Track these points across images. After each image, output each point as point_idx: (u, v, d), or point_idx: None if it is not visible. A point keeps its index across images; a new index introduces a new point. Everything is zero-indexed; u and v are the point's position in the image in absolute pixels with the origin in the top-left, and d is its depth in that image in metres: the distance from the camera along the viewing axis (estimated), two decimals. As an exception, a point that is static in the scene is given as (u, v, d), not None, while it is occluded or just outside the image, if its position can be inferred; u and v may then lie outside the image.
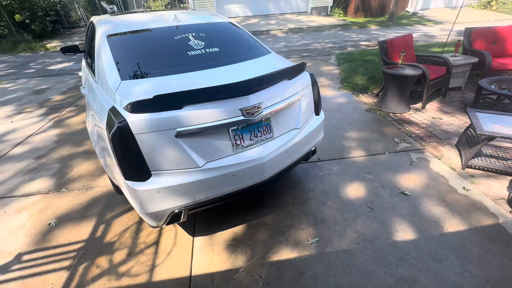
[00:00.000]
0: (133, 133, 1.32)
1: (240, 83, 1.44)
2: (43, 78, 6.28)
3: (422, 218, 1.96)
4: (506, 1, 13.56)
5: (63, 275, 1.68)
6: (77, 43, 9.97)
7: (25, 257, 1.82)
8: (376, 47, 7.76)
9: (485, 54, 3.85)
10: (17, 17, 9.66)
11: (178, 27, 2.09)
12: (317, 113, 2.03)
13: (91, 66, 2.19)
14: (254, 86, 1.49)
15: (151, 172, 1.40)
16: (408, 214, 2.00)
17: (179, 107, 1.35)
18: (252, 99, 1.49)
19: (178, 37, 1.95)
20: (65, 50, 3.20)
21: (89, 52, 2.51)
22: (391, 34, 9.64)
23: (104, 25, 2.09)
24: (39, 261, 1.78)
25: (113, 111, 1.38)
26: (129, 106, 1.32)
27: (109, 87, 1.57)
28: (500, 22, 10.57)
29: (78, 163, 2.84)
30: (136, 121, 1.31)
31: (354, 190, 2.26)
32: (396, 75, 3.36)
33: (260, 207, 2.14)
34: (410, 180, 2.35)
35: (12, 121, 3.97)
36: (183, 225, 2.01)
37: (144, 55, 1.80)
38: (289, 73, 1.71)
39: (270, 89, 1.59)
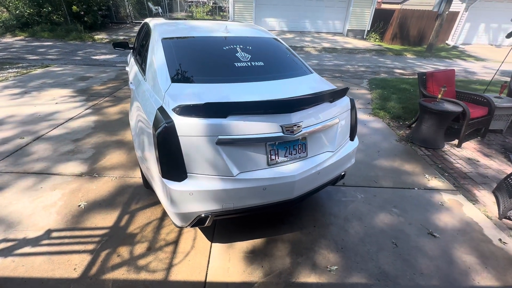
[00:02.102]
0: (178, 134, 1.38)
1: (284, 100, 1.47)
2: (88, 66, 6.74)
3: (452, 265, 1.85)
4: (558, 45, 12.80)
5: (86, 258, 1.75)
6: (121, 38, 10.67)
7: (54, 234, 1.92)
8: (411, 76, 7.59)
9: (533, 99, 3.64)
10: (74, 8, 10.54)
11: (226, 38, 2.19)
12: (351, 138, 2.01)
13: (140, 64, 2.33)
14: (298, 105, 1.51)
15: (187, 174, 1.44)
16: (435, 258, 1.89)
17: (224, 116, 1.39)
18: (294, 118, 1.51)
19: (227, 47, 2.04)
20: (116, 45, 3.44)
21: (140, 51, 2.68)
22: (428, 65, 9.41)
23: (160, 28, 2.24)
24: (66, 240, 1.87)
25: (161, 110, 1.46)
26: (178, 109, 1.39)
27: (159, 87, 1.66)
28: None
29: (111, 151, 2.99)
30: (182, 124, 1.37)
31: (379, 222, 2.18)
32: (434, 109, 3.25)
33: (280, 223, 2.12)
34: (440, 222, 2.23)
35: (56, 103, 4.27)
36: (202, 229, 2.03)
37: (194, 61, 1.90)
38: (332, 96, 1.72)
39: (312, 110, 1.61)
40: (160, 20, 2.58)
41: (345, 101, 1.88)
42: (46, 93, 4.66)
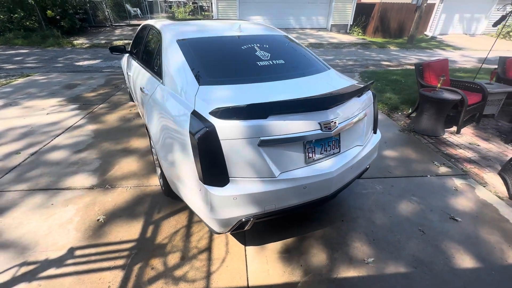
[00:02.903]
0: (220, 138, 1.33)
1: (322, 97, 1.46)
2: (72, 73, 6.43)
3: (478, 247, 1.92)
4: (525, 32, 13.66)
5: (119, 274, 1.67)
6: (103, 42, 10.26)
7: (78, 252, 1.81)
8: (398, 68, 7.83)
9: (522, 84, 3.86)
10: (49, 12, 9.99)
11: (240, 36, 2.15)
12: (375, 131, 2.04)
13: (152, 69, 2.24)
14: (334, 101, 1.51)
15: (229, 178, 1.40)
16: (462, 241, 1.96)
17: (265, 116, 1.36)
18: (330, 114, 1.50)
19: (245, 47, 2.00)
20: (113, 50, 3.29)
21: (146, 54, 2.58)
22: (412, 56, 9.74)
23: (171, 29, 2.16)
24: (93, 258, 1.77)
25: (197, 115, 1.40)
26: (217, 112, 1.34)
27: (186, 91, 1.60)
28: (518, 53, 10.60)
29: (119, 160, 2.86)
30: (223, 127, 1.33)
31: (402, 211, 2.24)
32: (435, 98, 3.37)
33: (308, 221, 2.12)
34: (457, 206, 2.32)
35: (47, 114, 4.04)
36: (234, 233, 2.00)
37: (216, 61, 1.84)
38: (362, 91, 1.73)
39: (344, 105, 1.61)
40: (166, 21, 2.49)
41: (368, 95, 1.90)
42: (34, 104, 4.40)
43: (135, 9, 17.38)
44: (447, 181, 2.65)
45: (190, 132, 1.39)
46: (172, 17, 15.40)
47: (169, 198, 2.30)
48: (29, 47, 9.46)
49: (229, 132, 1.34)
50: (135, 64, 2.85)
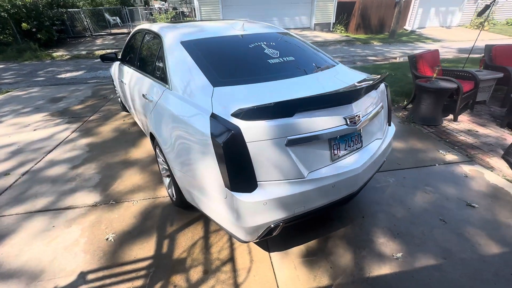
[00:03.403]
0: (246, 141, 1.25)
1: (346, 91, 1.41)
2: (56, 86, 6.13)
3: (501, 231, 1.92)
4: (496, 22, 14.38)
5: (139, 296, 1.54)
6: (84, 52, 9.92)
7: (90, 276, 1.66)
8: (385, 62, 7.99)
9: (510, 70, 4.00)
10: (24, 25, 9.56)
11: (243, 36, 2.08)
12: (389, 123, 2.01)
13: (153, 74, 2.12)
14: (357, 94, 1.46)
15: (257, 182, 1.32)
16: (484, 227, 1.96)
17: (291, 114, 1.29)
18: (355, 108, 1.46)
19: (252, 45, 1.93)
20: (105, 58, 3.13)
21: (144, 60, 2.46)
22: (395, 50, 9.99)
23: (172, 32, 2.06)
24: (108, 281, 1.63)
25: (217, 118, 1.32)
26: (240, 113, 1.26)
27: (201, 93, 1.51)
28: (493, 41, 11.12)
29: (120, 173, 2.71)
30: (249, 129, 1.25)
31: (419, 202, 2.22)
32: (432, 88, 3.42)
33: (330, 220, 2.06)
34: (471, 192, 2.33)
35: (35, 130, 3.80)
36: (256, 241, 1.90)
37: (226, 61, 1.76)
38: (380, 83, 1.69)
39: (365, 98, 1.57)
40: (164, 24, 2.38)
41: (382, 87, 1.87)
42: (18, 121, 4.13)
43: (114, 17, 16.95)
44: (455, 168, 2.67)
45: (212, 136, 1.30)
46: (154, 24, 15.11)
47: (181, 209, 2.18)
48: (5, 62, 8.98)
49: (255, 134, 1.26)
50: (130, 71, 2.72)
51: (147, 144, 3.29)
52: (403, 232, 1.93)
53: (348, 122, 1.43)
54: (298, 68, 1.81)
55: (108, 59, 3.15)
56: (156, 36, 2.22)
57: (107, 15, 15.20)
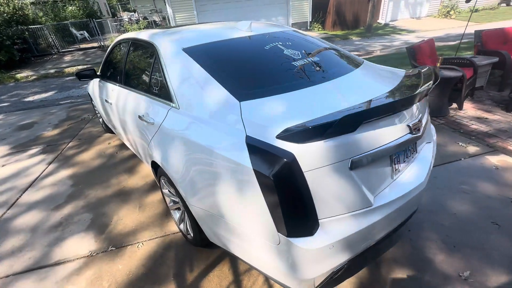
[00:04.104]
0: (303, 170, 0.95)
1: (407, 97, 1.14)
2: (23, 111, 5.48)
3: (559, 229, 1.76)
4: (461, 10, 15.12)
5: None
6: (52, 71, 9.16)
7: None
8: (369, 56, 8.00)
9: (504, 54, 4.00)
10: (-20, 47, 8.64)
11: (251, 37, 1.78)
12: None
13: (149, 91, 1.77)
14: (419, 98, 1.20)
15: (319, 221, 1.02)
16: (540, 225, 1.79)
17: (353, 129, 1.01)
18: (416, 113, 1.20)
19: (268, 47, 1.63)
20: (82, 76, 2.70)
21: (131, 75, 2.08)
22: (375, 44, 10.11)
23: (168, 38, 1.71)
24: None
25: (257, 142, 1.00)
26: (291, 134, 0.96)
27: (223, 112, 1.19)
28: (460, 29, 11.62)
29: (115, 209, 2.29)
30: (305, 154, 0.95)
31: (462, 205, 2.02)
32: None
33: (374, 239, 1.79)
34: (510, 185, 2.17)
35: (3, 166, 3.25)
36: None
37: (245, 68, 1.44)
38: (436, 79, 1.45)
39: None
40: (153, 31, 2.02)
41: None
42: (-18, 156, 3.55)
43: (81, 32, 16.03)
44: (482, 160, 2.52)
45: (255, 168, 0.98)
46: (126, 36, 14.42)
47: (199, 248, 1.82)
48: (-40, 89, 8.04)
49: (313, 159, 0.96)
50: (115, 88, 2.32)
51: (141, 168, 2.88)
52: (459, 244, 1.71)
53: (412, 130, 1.17)
54: (328, 70, 1.53)
55: (85, 76, 2.73)
56: (147, 45, 1.86)
57: (73, 30, 14.32)
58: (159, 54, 1.66)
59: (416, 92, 1.11)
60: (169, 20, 12.06)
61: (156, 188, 2.52)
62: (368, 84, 1.40)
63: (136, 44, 2.07)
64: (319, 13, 13.56)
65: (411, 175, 1.28)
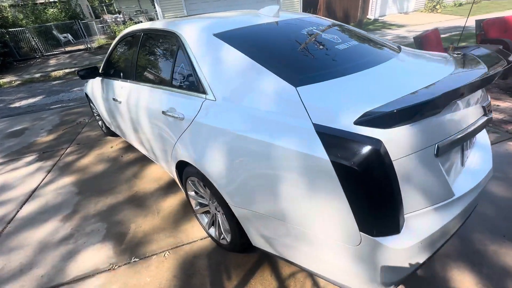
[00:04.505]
0: (392, 159, 0.83)
1: (488, 76, 1.04)
2: (11, 118, 5.13)
3: None
4: (446, 4, 15.51)
5: None
6: (37, 75, 8.72)
7: None
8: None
9: (508, 42, 4.03)
10: (-44, 52, 8.10)
11: (278, 22, 1.65)
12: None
13: (171, 84, 1.60)
14: (495, 78, 1.10)
15: (404, 216, 0.90)
16: None
17: (438, 110, 0.89)
18: (485, 93, 1.10)
19: (305, 31, 1.51)
20: (84, 75, 2.50)
21: (146, 69, 1.91)
22: (368, 38, 10.18)
23: (192, 25, 1.55)
24: None
25: (332, 130, 0.88)
26: (373, 118, 0.83)
27: (278, 100, 1.06)
28: (447, 22, 11.90)
29: (131, 216, 2.11)
30: (392, 140, 0.83)
31: (499, 192, 1.96)
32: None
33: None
34: (541, 171, 2.13)
35: (-4, 176, 2.98)
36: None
37: (290, 53, 1.31)
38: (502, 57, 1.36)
39: None
40: (168, 20, 1.85)
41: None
42: (-29, 167, 3.25)
43: (65, 35, 15.44)
44: (507, 147, 2.48)
45: (333, 159, 0.85)
46: (113, 37, 13.97)
47: (231, 252, 1.68)
48: None
49: (400, 147, 0.84)
50: (126, 85, 2.13)
51: (151, 171, 2.69)
52: (508, 233, 1.64)
53: (487, 112, 1.07)
54: (374, 53, 1.42)
55: (87, 74, 2.52)
56: (166, 35, 1.70)
57: (56, 33, 13.75)
58: (185, 42, 1.50)
59: (496, 71, 1.01)
60: (156, 19, 11.73)
61: (173, 191, 2.35)
62: (424, 66, 1.30)
63: (150, 35, 1.90)
64: (309, 10, 13.56)
65: (478, 162, 1.19)
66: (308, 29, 1.53)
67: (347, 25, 1.87)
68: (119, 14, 21.89)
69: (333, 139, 0.86)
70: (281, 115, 1.03)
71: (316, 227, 0.99)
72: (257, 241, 1.33)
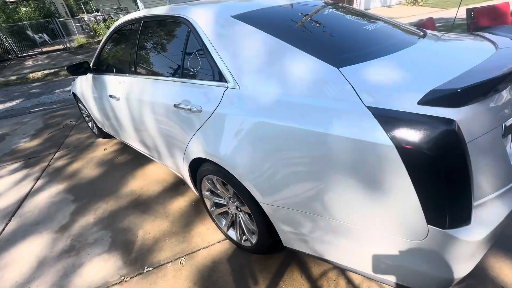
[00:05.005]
0: (466, 140, 0.74)
1: None
2: (-12, 123, 4.74)
3: None
4: (427, -3, 15.91)
5: None
6: (13, 78, 8.17)
7: None
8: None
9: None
10: None
11: (292, 5, 1.53)
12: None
13: (183, 74, 1.45)
14: None
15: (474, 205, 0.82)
16: None
17: (502, 88, 0.81)
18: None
19: (328, 12, 1.40)
20: (74, 71, 2.29)
21: (145, 61, 1.75)
22: (355, 31, 10.25)
23: (204, 10, 1.40)
24: None
25: (393, 113, 0.78)
26: (441, 97, 0.74)
27: (320, 84, 0.94)
28: (430, 14, 12.18)
29: (138, 222, 1.94)
30: (465, 121, 0.74)
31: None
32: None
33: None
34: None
35: (-23, 186, 2.71)
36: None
37: (321, 33, 1.20)
38: None
39: None
40: (172, 5, 1.69)
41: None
42: None
43: (40, 35, 14.62)
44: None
45: (399, 145, 0.75)
46: (93, 36, 13.36)
47: (254, 254, 1.56)
48: None
49: (473, 127, 0.76)
50: (124, 79, 1.95)
51: (152, 172, 2.52)
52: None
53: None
54: (402, 34, 1.33)
55: (79, 71, 2.31)
56: (173, 21, 1.53)
57: (30, 33, 12.98)
58: (197, 27, 1.35)
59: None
60: (141, 16, 11.30)
61: (180, 192, 2.20)
62: (461, 45, 1.22)
63: (152, 23, 1.73)
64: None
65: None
66: (330, 11, 1.42)
67: (362, 10, 1.78)
68: (98, 12, 21.03)
69: (396, 122, 0.76)
70: (322, 99, 0.92)
71: (370, 221, 0.89)
72: (290, 240, 1.22)
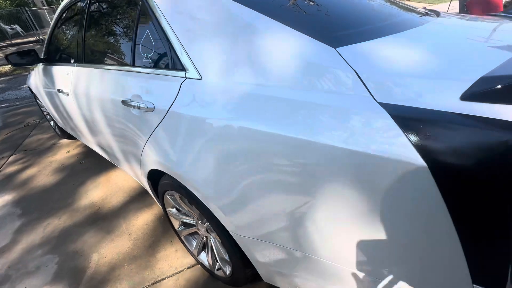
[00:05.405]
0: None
1: None
2: None
3: None
4: (415, -8, 15.92)
5: None
6: (-23, 71, 7.49)
7: None
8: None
9: (493, 20, 3.96)
10: None
11: None
12: None
13: (133, 62, 1.13)
14: None
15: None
16: None
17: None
18: None
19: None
20: (15, 60, 1.90)
21: (94, 47, 1.41)
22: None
23: None
24: None
25: (426, 114, 0.49)
26: (500, 90, 0.47)
27: (310, 70, 0.65)
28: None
29: (93, 242, 1.62)
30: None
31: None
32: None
33: None
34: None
35: None
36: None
37: (310, 4, 0.90)
38: None
39: None
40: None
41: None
42: None
43: (12, 26, 13.67)
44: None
45: (434, 163, 0.47)
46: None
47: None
48: None
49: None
50: (72, 70, 1.59)
51: (120, 179, 2.18)
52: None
53: None
54: (411, 13, 1.06)
55: (21, 60, 1.92)
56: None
57: (2, 24, 12.08)
58: (151, 2, 1.02)
59: None
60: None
61: (148, 204, 1.88)
62: (479, 26, 0.96)
63: (100, 1, 1.38)
64: None
65: None
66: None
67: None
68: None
69: (428, 129, 0.48)
70: (314, 92, 0.63)
71: (384, 271, 0.61)
72: (272, 277, 0.94)
